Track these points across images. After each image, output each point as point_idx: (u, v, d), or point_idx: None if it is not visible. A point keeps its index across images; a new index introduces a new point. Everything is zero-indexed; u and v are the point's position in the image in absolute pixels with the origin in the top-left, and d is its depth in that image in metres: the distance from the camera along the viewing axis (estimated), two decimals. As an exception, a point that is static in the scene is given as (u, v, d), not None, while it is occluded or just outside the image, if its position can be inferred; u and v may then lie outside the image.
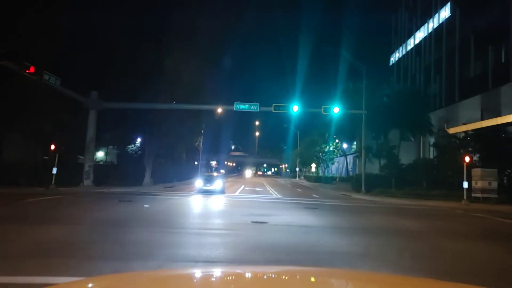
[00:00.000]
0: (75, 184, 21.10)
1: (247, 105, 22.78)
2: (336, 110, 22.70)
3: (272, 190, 26.92)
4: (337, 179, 41.77)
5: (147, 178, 26.61)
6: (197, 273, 2.36)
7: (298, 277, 2.03)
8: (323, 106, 22.74)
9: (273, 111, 22.64)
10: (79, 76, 21.97)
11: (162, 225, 8.35)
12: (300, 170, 60.71)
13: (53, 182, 19.28)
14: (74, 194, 16.91)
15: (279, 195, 21.34)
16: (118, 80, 22.52)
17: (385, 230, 8.99)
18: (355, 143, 39.88)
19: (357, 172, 35.76)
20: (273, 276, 2.06)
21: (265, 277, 2.02)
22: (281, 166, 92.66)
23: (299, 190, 29.65)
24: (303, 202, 17.21)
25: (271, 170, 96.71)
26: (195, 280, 1.90)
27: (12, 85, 19.80)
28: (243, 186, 30.98)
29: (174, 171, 33.68)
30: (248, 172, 73.26)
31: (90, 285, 1.68)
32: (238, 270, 2.45)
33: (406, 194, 22.24)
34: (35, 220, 8.67)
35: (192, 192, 21.34)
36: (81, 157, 28.98)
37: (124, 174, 26.11)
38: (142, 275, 2.11)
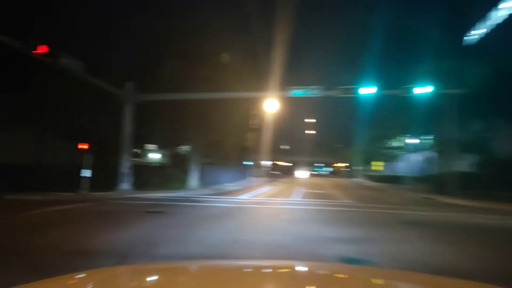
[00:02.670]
0: (114, 188, 18.47)
1: (306, 90, 18.69)
2: (427, 89, 17.67)
3: (338, 193, 22.54)
4: (406, 178, 36.04)
5: (194, 180, 23.56)
6: (196, 265, 2.20)
7: (304, 270, 1.98)
8: (404, 87, 17.87)
9: (337, 96, 18.30)
10: (114, 66, 19.40)
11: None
12: (360, 169, 55.12)
13: (85, 186, 16.70)
14: (102, 201, 14.02)
15: (349, 201, 16.99)
16: (156, 69, 19.60)
17: None
18: (431, 136, 34.01)
19: (435, 170, 30.01)
20: (277, 270, 1.98)
21: (269, 270, 1.97)
22: (337, 165, 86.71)
23: (368, 192, 24.92)
24: (390, 211, 12.81)
25: (326, 170, 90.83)
26: (192, 272, 1.89)
27: (41, 79, 17.62)
28: (301, 189, 26.91)
29: (223, 172, 30.49)
30: (303, 173, 68.31)
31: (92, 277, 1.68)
32: (241, 262, 2.52)
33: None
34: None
35: (245, 198, 17.73)
36: (139, 159, 26.80)
37: (172, 176, 23.35)
38: (140, 268, 2.07)
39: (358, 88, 17.89)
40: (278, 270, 1.99)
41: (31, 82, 16.52)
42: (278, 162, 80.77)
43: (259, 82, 21.06)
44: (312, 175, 71.79)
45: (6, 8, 12.92)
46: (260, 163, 58.32)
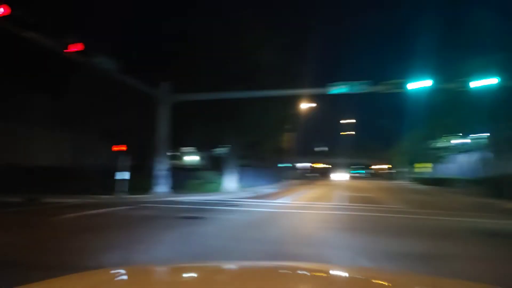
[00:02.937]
0: (150, 190, 18.07)
1: (349, 86, 17.35)
2: (488, 82, 15.77)
3: (385, 197, 20.90)
4: (456, 181, 33.35)
5: (231, 182, 22.86)
6: (196, 267, 2.19)
7: (298, 272, 1.97)
8: (460, 80, 16.05)
9: (384, 91, 16.80)
10: (149, 66, 19.10)
11: None
12: (404, 171, 52.32)
13: (121, 188, 16.36)
14: (138, 204, 13.52)
15: (401, 206, 15.46)
16: (190, 68, 19.08)
17: None
18: (485, 135, 31.26)
19: (490, 171, 27.39)
20: (276, 271, 1.98)
21: (270, 271, 1.94)
22: (377, 167, 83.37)
23: (418, 196, 23.00)
24: (453, 219, 11.27)
25: (366, 172, 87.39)
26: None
27: (78, 81, 17.62)
28: (343, 192, 25.47)
29: (260, 174, 29.59)
30: (342, 175, 65.87)
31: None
32: (240, 264, 2.43)
33: None
34: None
35: (285, 202, 16.69)
36: (174, 161, 26.46)
37: (209, 178, 22.76)
38: (144, 269, 2.07)
39: (408, 82, 16.34)
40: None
41: (68, 84, 16.54)
42: (315, 164, 78.88)
43: (298, 79, 20.00)
44: (351, 177, 69.11)
45: (36, 6, 12.72)
46: (297, 165, 56.92)
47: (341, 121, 79.66)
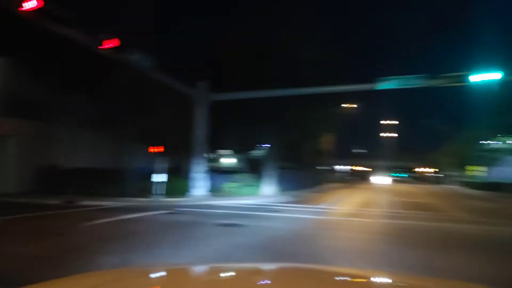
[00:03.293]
0: (187, 193, 17.49)
1: (399, 81, 15.81)
2: None
3: (440, 204, 18.98)
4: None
5: (269, 186, 21.85)
6: (198, 269, 2.13)
7: (301, 274, 1.91)
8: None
9: (442, 85, 15.10)
10: (185, 65, 18.56)
11: None
12: (453, 174, 48.92)
13: (158, 191, 15.86)
14: (173, 208, 12.86)
15: (463, 214, 13.71)
16: (229, 67, 18.36)
17: None
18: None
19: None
20: (277, 273, 1.96)
21: (270, 273, 1.93)
22: (421, 170, 79.10)
23: (477, 202, 20.70)
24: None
25: (408, 175, 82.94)
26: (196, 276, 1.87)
27: (116, 80, 17.35)
28: (391, 197, 23.72)
29: (298, 177, 28.32)
30: (384, 178, 62.72)
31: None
32: (241, 266, 2.40)
33: None
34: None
35: (329, 208, 15.44)
36: (211, 163, 25.95)
37: (247, 181, 21.91)
38: (140, 270, 2.05)
39: (469, 75, 14.53)
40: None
41: (106, 85, 16.29)
42: (355, 167, 76.31)
43: (343, 75, 18.64)
44: (393, 181, 65.66)
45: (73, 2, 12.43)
46: (336, 167, 54.97)
47: (382, 122, 76.28)
